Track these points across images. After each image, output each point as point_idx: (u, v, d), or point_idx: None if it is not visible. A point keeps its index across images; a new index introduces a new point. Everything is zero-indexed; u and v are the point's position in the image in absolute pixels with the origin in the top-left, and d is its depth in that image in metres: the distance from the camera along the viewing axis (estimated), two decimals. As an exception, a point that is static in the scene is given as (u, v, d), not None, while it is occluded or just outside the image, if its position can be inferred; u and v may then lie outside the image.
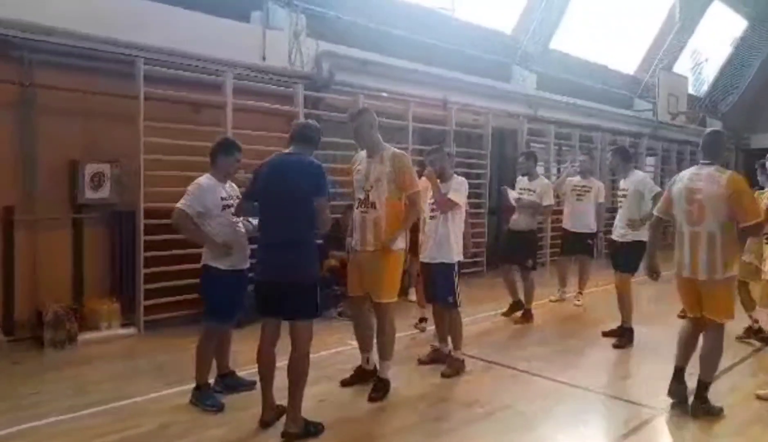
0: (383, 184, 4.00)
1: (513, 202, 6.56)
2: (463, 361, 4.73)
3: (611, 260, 6.12)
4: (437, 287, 4.70)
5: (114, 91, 5.57)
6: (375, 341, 4.30)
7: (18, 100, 5.23)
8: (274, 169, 3.53)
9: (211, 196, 3.91)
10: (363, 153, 4.19)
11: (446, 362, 4.73)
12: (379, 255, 4.04)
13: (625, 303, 5.73)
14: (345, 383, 4.34)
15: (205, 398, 3.92)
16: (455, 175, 4.81)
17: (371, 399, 4.07)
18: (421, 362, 4.88)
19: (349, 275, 4.25)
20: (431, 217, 4.70)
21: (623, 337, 5.65)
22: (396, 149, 4.20)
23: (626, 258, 5.67)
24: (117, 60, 5.58)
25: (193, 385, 3.98)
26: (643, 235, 5.25)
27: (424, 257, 4.75)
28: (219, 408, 3.87)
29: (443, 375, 4.58)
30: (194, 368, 3.98)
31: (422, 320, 5.95)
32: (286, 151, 3.63)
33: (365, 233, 4.07)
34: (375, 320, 4.29)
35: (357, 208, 4.15)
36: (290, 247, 3.43)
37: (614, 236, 5.83)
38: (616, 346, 5.56)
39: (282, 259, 3.43)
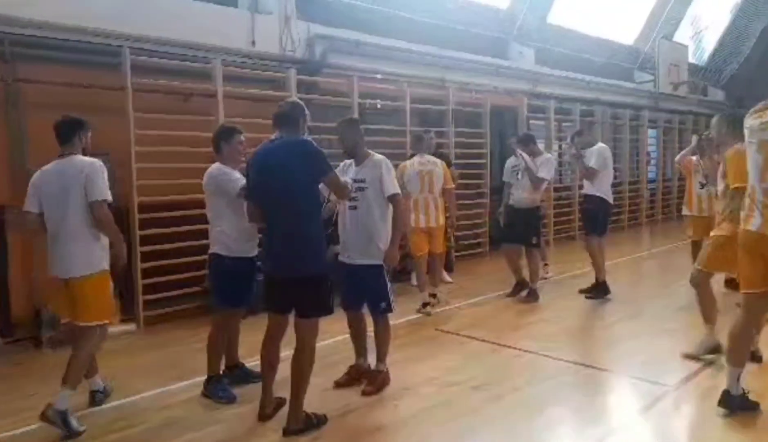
0: None
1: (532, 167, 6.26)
2: (387, 372, 4.05)
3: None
4: (366, 291, 3.99)
5: (101, 83, 5.42)
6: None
7: (2, 97, 5.10)
8: (265, 159, 3.38)
9: None
10: None
11: (368, 377, 4.02)
12: None
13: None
14: None
15: (217, 390, 3.88)
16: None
17: None
18: (338, 384, 4.06)
19: None
20: (351, 207, 3.88)
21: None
22: None
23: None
24: (102, 51, 5.44)
25: (197, 379, 3.94)
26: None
27: (344, 256, 3.99)
28: (231, 400, 3.82)
29: (364, 393, 3.88)
30: (195, 363, 3.95)
31: (426, 304, 5.88)
32: (273, 137, 3.47)
33: None
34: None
35: None
36: (294, 240, 3.31)
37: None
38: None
39: (288, 252, 3.32)
